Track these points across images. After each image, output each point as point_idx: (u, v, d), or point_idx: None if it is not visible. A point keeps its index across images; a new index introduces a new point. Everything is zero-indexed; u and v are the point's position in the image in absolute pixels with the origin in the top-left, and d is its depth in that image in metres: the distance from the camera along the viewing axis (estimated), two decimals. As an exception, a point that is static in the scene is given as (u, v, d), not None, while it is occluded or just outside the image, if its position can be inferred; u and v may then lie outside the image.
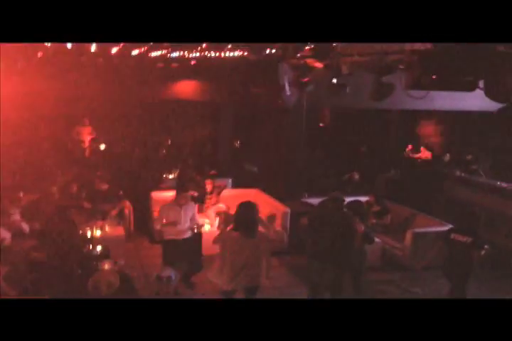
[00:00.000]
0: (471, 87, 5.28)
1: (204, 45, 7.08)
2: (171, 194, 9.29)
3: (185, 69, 10.46)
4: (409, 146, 11.86)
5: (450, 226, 8.27)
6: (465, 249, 6.11)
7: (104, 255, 6.50)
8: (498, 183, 9.94)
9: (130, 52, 7.64)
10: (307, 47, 6.57)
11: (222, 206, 9.43)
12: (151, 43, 6.88)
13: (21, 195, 7.64)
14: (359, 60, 6.90)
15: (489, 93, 4.83)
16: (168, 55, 8.37)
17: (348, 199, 6.80)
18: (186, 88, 12.39)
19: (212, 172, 10.22)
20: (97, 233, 7.71)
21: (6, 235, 6.49)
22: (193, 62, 9.50)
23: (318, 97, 9.28)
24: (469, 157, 11.56)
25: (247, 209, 5.23)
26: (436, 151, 11.87)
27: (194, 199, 8.07)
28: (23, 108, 10.68)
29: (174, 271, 5.51)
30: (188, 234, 6.87)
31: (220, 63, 8.82)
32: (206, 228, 8.63)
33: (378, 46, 5.98)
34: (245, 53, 7.53)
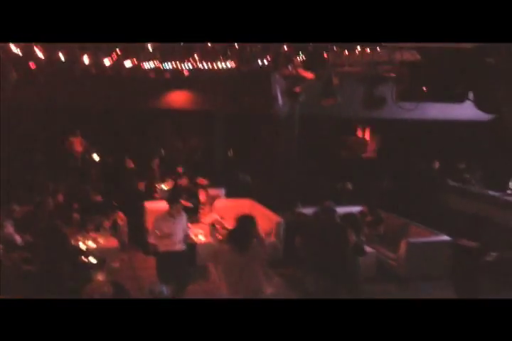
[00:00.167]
0: (461, 99, 5.32)
1: (196, 56, 7.11)
2: (164, 204, 9.35)
3: (178, 79, 10.48)
4: None
5: (444, 235, 8.33)
6: (472, 255, 6.14)
7: (99, 265, 6.50)
8: (490, 192, 10.00)
9: (123, 63, 7.64)
10: (299, 58, 6.62)
11: (215, 216, 9.42)
12: (143, 54, 6.90)
13: (16, 207, 7.59)
14: (350, 71, 6.96)
15: (479, 104, 4.87)
16: (161, 66, 8.38)
17: (341, 210, 6.82)
18: (179, 98, 12.41)
19: (204, 181, 10.21)
20: (91, 244, 7.70)
21: (-3, 247, 6.47)
22: (186, 73, 9.52)
23: (310, 107, 9.32)
24: (462, 166, 11.62)
25: (243, 223, 5.20)
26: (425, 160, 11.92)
27: (188, 210, 8.06)
28: (16, 119, 10.66)
29: (166, 285, 5.48)
30: (182, 245, 6.85)
31: (213, 74, 8.85)
32: (200, 238, 8.62)
33: (369, 56, 6.04)
34: (237, 64, 7.57)
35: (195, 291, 6.87)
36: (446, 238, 8.27)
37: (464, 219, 9.59)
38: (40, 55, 6.33)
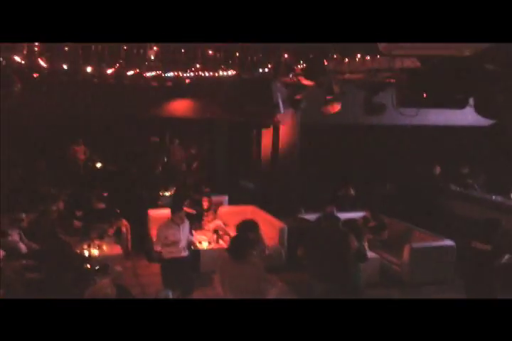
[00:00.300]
0: (461, 105, 5.35)
1: (197, 64, 7.16)
2: (167, 211, 9.38)
3: (180, 88, 10.54)
4: None
5: (447, 240, 8.34)
6: (485, 257, 6.16)
7: (102, 270, 6.54)
8: (493, 197, 10.00)
9: (125, 72, 7.71)
10: (299, 66, 6.67)
11: (219, 223, 9.44)
12: (145, 63, 6.95)
13: (23, 215, 7.62)
14: (351, 78, 7.01)
15: (479, 110, 4.90)
16: (163, 74, 8.44)
17: (344, 215, 6.84)
18: (181, 106, 12.46)
19: (206, 189, 10.25)
20: (95, 252, 7.73)
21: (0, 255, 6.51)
22: (187, 81, 9.58)
23: (311, 114, 9.37)
24: (464, 171, 11.62)
25: (244, 227, 5.22)
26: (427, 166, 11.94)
27: (191, 217, 8.09)
28: (19, 128, 10.72)
29: (171, 291, 5.50)
30: (186, 253, 6.89)
31: (214, 82, 8.91)
32: (204, 245, 8.65)
33: (369, 63, 6.08)
34: (238, 72, 7.62)
35: (199, 297, 6.89)
36: (449, 243, 8.29)
37: (466, 224, 9.60)
38: (42, 64, 6.40)
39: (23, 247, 7.21)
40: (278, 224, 9.13)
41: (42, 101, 10.62)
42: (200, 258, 8.26)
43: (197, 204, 9.56)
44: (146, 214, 9.69)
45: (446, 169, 11.51)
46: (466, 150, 11.66)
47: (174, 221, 6.74)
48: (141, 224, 9.57)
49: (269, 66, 6.79)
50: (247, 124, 11.97)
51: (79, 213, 8.90)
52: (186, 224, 6.93)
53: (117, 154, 12.86)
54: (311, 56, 5.99)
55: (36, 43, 5.62)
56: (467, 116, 8.20)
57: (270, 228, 9.02)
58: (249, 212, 10.18)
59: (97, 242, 8.01)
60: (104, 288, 4.61)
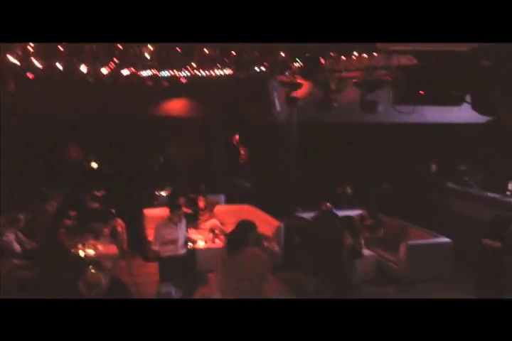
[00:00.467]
0: (458, 102, 5.35)
1: (193, 63, 7.13)
2: (163, 211, 9.35)
3: (176, 87, 10.51)
4: None
5: (443, 237, 8.36)
6: (496, 254, 6.21)
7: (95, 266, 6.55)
8: (489, 194, 10.02)
9: (120, 72, 7.67)
10: (296, 64, 6.65)
11: (215, 222, 9.43)
12: (140, 62, 6.93)
13: (21, 216, 7.60)
14: (347, 76, 7.00)
15: (476, 107, 4.90)
16: (158, 73, 8.41)
17: (340, 213, 6.85)
18: (177, 106, 12.42)
19: (202, 187, 10.23)
20: (90, 252, 7.70)
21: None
22: (183, 81, 9.55)
23: (308, 112, 9.36)
24: (461, 168, 11.64)
25: (239, 228, 5.20)
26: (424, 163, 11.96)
27: (188, 216, 8.08)
28: (14, 128, 10.66)
29: (174, 287, 5.47)
30: (184, 251, 6.90)
31: (210, 81, 8.88)
32: (200, 244, 8.63)
33: (366, 61, 6.08)
34: (235, 71, 7.60)
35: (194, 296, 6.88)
36: (445, 240, 8.32)
37: (463, 221, 9.63)
38: (37, 63, 6.36)
39: (17, 247, 7.20)
40: (274, 222, 9.13)
41: (36, 101, 10.56)
42: (197, 257, 8.24)
43: (193, 203, 9.55)
44: (141, 214, 9.67)
45: (442, 166, 11.53)
46: (462, 147, 11.68)
47: (172, 220, 6.75)
48: (136, 223, 9.55)
49: (265, 64, 6.77)
50: (244, 123, 11.95)
51: (73, 213, 8.86)
52: (183, 223, 6.95)
53: (113, 154, 12.79)
54: (307, 54, 5.99)
55: (31, 43, 5.59)
56: (463, 114, 8.21)
57: (267, 227, 9.01)
58: (245, 211, 10.17)
59: (92, 242, 7.98)
60: (97, 276, 4.60)
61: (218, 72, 7.80)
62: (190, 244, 7.60)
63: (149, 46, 6.04)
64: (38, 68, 6.69)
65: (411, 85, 5.45)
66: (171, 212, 6.81)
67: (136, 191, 10.77)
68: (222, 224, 9.48)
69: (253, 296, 5.04)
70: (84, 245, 7.81)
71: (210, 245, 8.68)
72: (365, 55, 5.64)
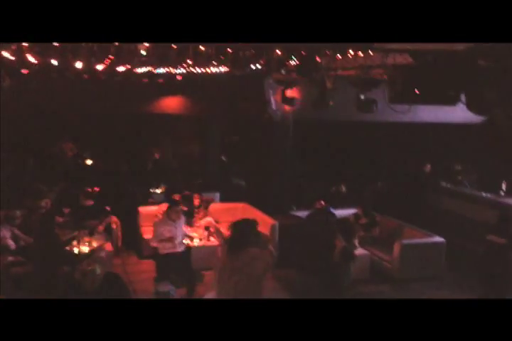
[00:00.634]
0: (453, 101, 5.36)
1: (189, 61, 7.11)
2: (158, 208, 9.34)
3: (172, 84, 10.50)
4: None
5: (437, 237, 8.39)
6: (501, 251, 6.22)
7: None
8: (484, 194, 10.06)
9: (116, 68, 7.65)
10: (292, 62, 6.64)
11: (210, 220, 9.41)
12: (136, 59, 6.90)
13: (18, 213, 7.57)
14: (343, 74, 7.00)
15: (471, 107, 4.91)
16: (154, 70, 8.39)
17: (335, 212, 6.83)
18: (172, 103, 12.40)
19: (198, 182, 10.23)
20: (84, 249, 7.68)
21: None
22: (179, 78, 9.53)
23: (303, 111, 9.37)
24: (455, 168, 11.68)
25: (241, 227, 5.15)
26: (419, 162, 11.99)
27: (183, 214, 8.07)
28: (8, 124, 10.61)
29: (172, 285, 5.48)
30: (182, 248, 6.91)
31: (206, 78, 8.87)
32: (195, 242, 8.62)
33: (362, 60, 6.08)
34: (230, 69, 7.59)
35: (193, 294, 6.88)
36: (439, 239, 8.34)
37: (457, 220, 9.67)
38: (32, 60, 6.32)
39: (11, 243, 7.17)
40: (269, 221, 9.12)
41: (31, 97, 10.52)
42: (192, 255, 8.23)
43: (188, 201, 9.52)
44: (136, 211, 9.65)
45: (437, 166, 11.56)
46: (457, 147, 11.71)
47: (170, 217, 6.76)
48: (131, 221, 9.53)
49: (261, 62, 6.76)
50: (239, 120, 11.95)
51: (67, 210, 8.84)
52: (182, 221, 6.96)
53: (108, 151, 12.76)
54: (303, 52, 5.98)
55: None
56: (458, 113, 8.23)
57: (261, 225, 8.98)
58: (240, 209, 10.17)
59: (86, 239, 7.95)
60: (92, 263, 4.65)
61: (214, 69, 7.78)
62: (185, 241, 7.59)
63: (145, 43, 6.02)
64: (33, 64, 6.66)
65: (407, 84, 5.46)
66: (169, 209, 6.83)
67: (131, 188, 10.75)
68: (216, 222, 9.46)
69: (252, 296, 4.98)
70: (78, 242, 7.78)
71: (204, 243, 8.67)
72: (361, 54, 5.64)
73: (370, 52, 5.59)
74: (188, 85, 10.78)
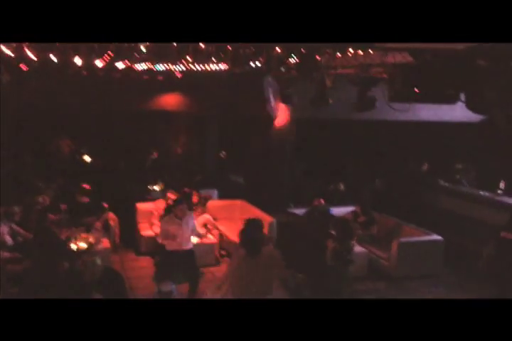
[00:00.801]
0: (452, 100, 5.37)
1: (189, 58, 7.10)
2: (156, 205, 9.35)
3: (171, 81, 10.47)
4: None
5: (435, 235, 8.41)
6: None
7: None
8: (482, 193, 10.08)
9: (115, 65, 7.62)
10: (291, 60, 6.64)
11: (208, 217, 9.41)
12: (136, 56, 6.89)
13: (17, 209, 7.57)
14: (343, 73, 7.00)
15: (470, 106, 4.92)
16: (154, 67, 8.37)
17: (333, 210, 6.80)
18: (172, 100, 12.39)
19: (198, 178, 10.22)
20: (82, 245, 7.67)
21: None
22: (178, 75, 9.51)
23: (302, 109, 9.36)
24: (454, 166, 11.70)
25: (252, 227, 5.11)
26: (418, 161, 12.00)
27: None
28: (8, 121, 10.60)
29: (174, 284, 5.48)
30: (190, 246, 6.85)
31: (206, 76, 8.85)
32: (193, 240, 8.61)
33: (361, 58, 6.08)
34: (230, 66, 7.58)
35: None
36: (437, 238, 8.36)
37: (455, 219, 9.69)
38: (31, 56, 6.31)
39: (8, 240, 7.17)
40: (267, 218, 9.12)
41: (30, 93, 10.49)
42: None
43: (186, 198, 9.51)
44: (134, 208, 9.65)
45: (435, 165, 11.58)
46: (456, 145, 11.73)
47: (176, 215, 6.72)
48: (129, 217, 9.53)
49: (261, 60, 6.75)
50: (238, 118, 11.93)
51: (64, 206, 8.84)
52: (189, 218, 6.88)
53: (106, 148, 12.75)
54: (303, 51, 5.98)
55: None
56: (457, 112, 8.24)
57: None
58: (238, 206, 10.17)
59: (84, 235, 7.95)
60: (91, 255, 4.80)
61: (213, 67, 7.77)
62: (193, 239, 7.42)
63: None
64: (32, 60, 6.65)
65: (406, 83, 5.46)
66: (174, 207, 6.82)
67: (130, 185, 10.74)
68: (214, 219, 9.47)
69: (262, 296, 4.91)
70: (76, 238, 7.78)
71: (203, 240, 8.68)
72: (360, 52, 5.64)
73: (369, 50, 5.59)
74: (188, 83, 10.75)
